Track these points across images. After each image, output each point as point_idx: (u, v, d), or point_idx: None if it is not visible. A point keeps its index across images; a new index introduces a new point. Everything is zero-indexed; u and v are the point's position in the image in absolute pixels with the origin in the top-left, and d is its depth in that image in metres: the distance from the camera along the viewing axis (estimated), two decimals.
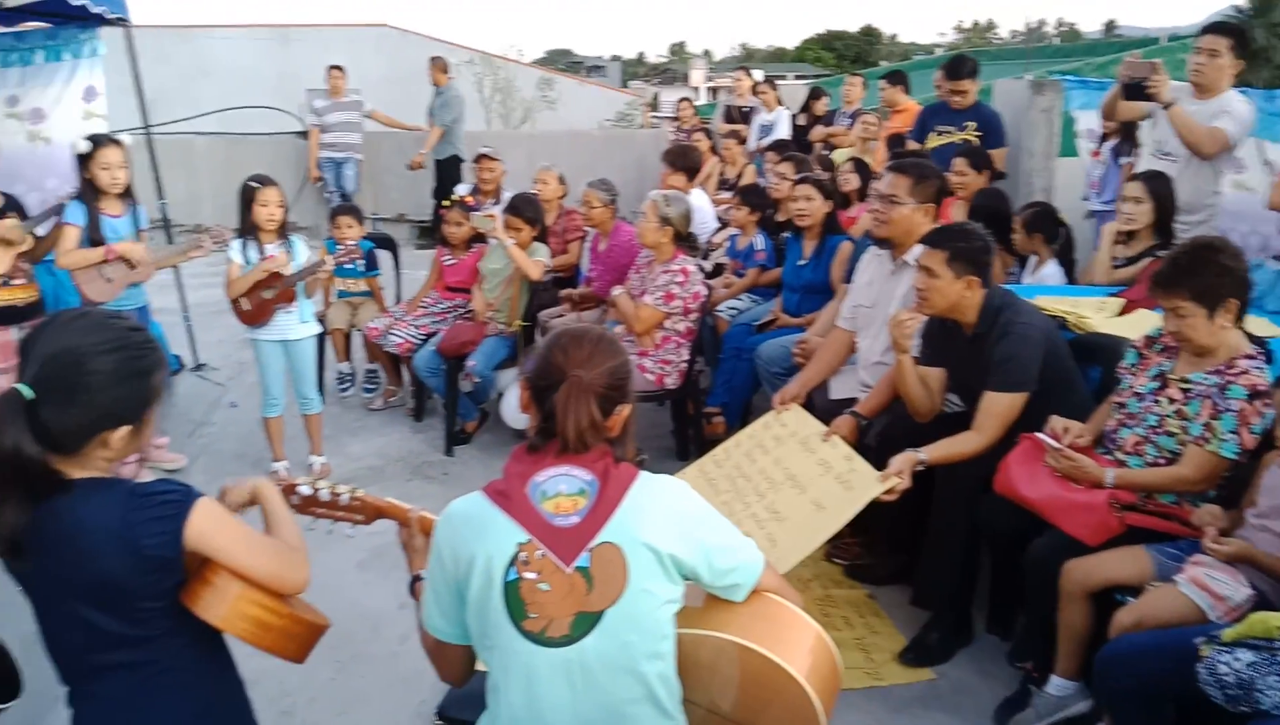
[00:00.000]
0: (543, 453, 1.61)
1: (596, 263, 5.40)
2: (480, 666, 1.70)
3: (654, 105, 26.21)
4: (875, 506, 2.84)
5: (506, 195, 5.50)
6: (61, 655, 1.59)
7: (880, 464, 2.93)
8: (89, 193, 4.18)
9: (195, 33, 16.30)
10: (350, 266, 5.12)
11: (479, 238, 5.32)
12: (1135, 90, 4.06)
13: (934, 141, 5.60)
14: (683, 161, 6.19)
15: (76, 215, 4.15)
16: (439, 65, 9.16)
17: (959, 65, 5.62)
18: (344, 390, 5.56)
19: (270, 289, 4.14)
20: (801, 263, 4.71)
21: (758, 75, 10.63)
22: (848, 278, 4.10)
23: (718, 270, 5.60)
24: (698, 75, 52.62)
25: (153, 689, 1.57)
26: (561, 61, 53.26)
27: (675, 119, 10.90)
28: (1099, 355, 3.19)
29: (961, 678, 3.02)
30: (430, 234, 9.50)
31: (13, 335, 3.93)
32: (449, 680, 1.79)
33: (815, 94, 8.89)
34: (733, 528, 1.71)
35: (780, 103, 8.61)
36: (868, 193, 4.97)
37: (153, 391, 1.58)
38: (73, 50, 5.56)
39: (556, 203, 5.87)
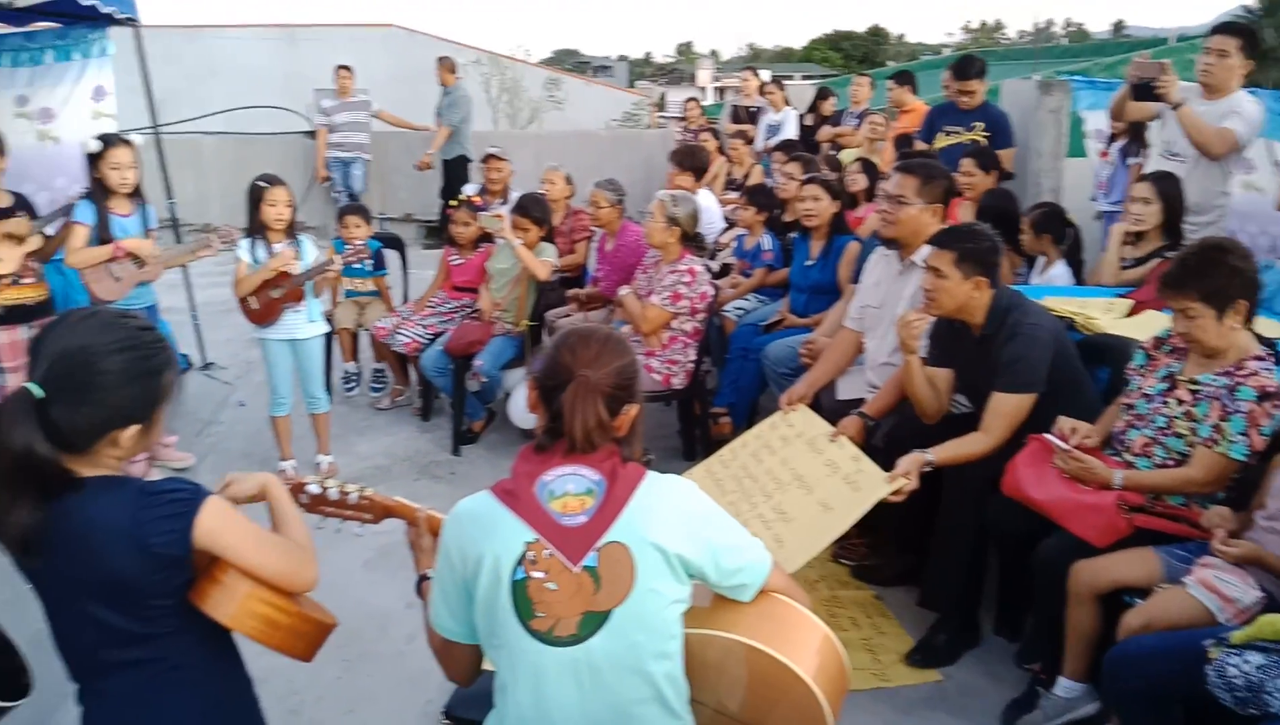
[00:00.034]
0: (550, 452, 1.61)
1: (603, 263, 5.40)
2: (487, 666, 1.70)
3: (661, 105, 26.13)
4: (882, 507, 2.84)
5: (514, 195, 5.52)
6: (71, 653, 1.59)
7: (888, 465, 2.93)
8: (99, 192, 4.20)
9: (203, 33, 16.31)
10: (358, 266, 5.13)
11: (486, 237, 5.33)
12: (1144, 90, 4.04)
13: (942, 142, 5.59)
14: (690, 161, 6.18)
15: (86, 214, 4.17)
16: (446, 65, 9.16)
17: (967, 65, 5.61)
18: (350, 389, 5.56)
19: (278, 288, 4.15)
20: (809, 263, 4.70)
21: (765, 75, 10.63)
22: (855, 278, 4.10)
23: (725, 270, 5.59)
24: (705, 75, 52.55)
25: (162, 686, 1.58)
26: (568, 61, 53.21)
27: (682, 119, 10.88)
28: (1107, 356, 3.18)
29: (969, 679, 3.01)
30: (438, 234, 9.52)
31: (22, 334, 3.94)
32: (456, 679, 1.79)
33: (822, 94, 8.87)
34: (740, 528, 1.71)
35: (787, 103, 8.61)
36: (875, 193, 4.97)
37: (163, 390, 1.58)
38: (82, 50, 5.59)
39: (564, 203, 5.87)
